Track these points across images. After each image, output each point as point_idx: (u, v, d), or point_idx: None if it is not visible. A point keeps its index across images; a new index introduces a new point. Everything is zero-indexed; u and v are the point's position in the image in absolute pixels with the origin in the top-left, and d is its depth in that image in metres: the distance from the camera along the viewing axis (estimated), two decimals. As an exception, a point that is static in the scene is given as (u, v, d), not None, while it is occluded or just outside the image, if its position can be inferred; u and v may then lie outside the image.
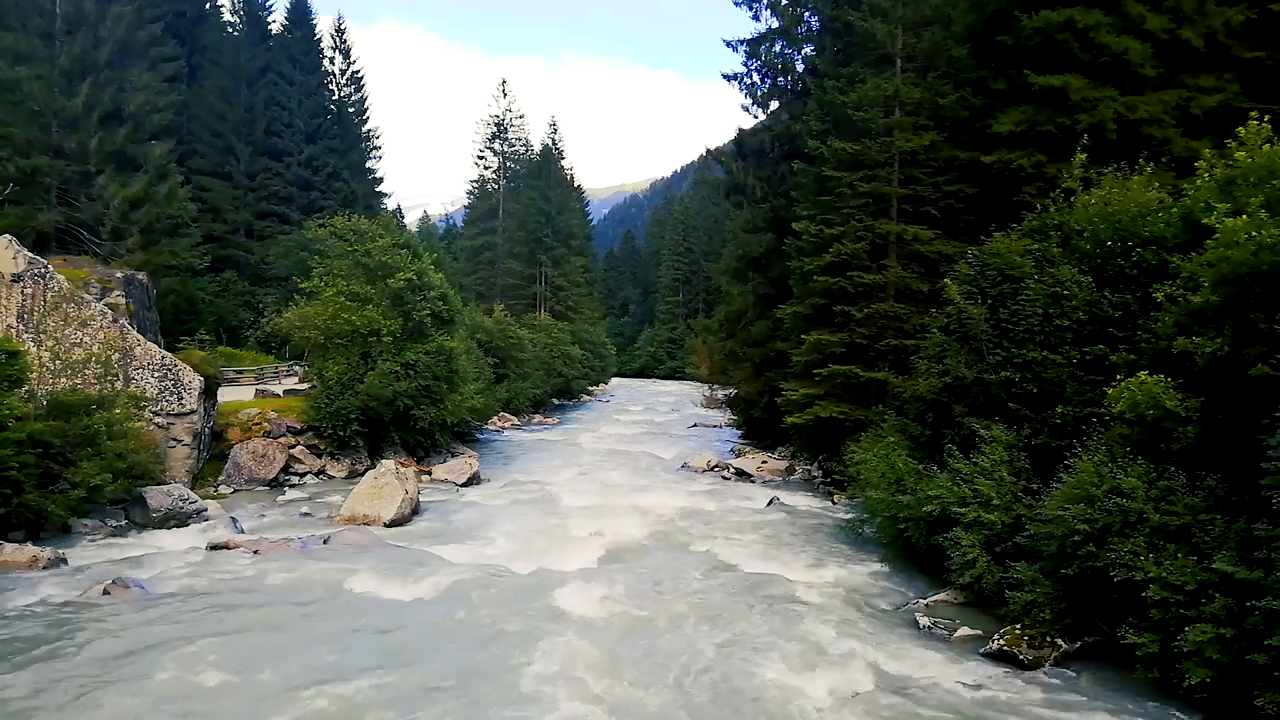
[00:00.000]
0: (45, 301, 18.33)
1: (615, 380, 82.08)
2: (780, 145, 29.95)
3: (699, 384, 55.49)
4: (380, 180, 53.22)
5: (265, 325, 35.68)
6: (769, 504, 20.61)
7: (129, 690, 8.73)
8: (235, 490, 20.60)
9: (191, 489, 18.62)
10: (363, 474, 20.40)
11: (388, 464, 19.03)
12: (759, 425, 30.88)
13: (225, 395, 23.84)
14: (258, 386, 28.81)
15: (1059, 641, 10.39)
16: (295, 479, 22.11)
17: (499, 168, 69.27)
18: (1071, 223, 13.40)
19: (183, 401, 19.66)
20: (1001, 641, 10.56)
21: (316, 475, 22.68)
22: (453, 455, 26.65)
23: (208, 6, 48.22)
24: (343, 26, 50.63)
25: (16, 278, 18.49)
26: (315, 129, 46.62)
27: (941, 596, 12.74)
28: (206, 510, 17.26)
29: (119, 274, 23.77)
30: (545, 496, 21.32)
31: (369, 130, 52.25)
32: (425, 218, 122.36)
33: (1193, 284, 10.09)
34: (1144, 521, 9.49)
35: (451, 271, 46.09)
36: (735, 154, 32.38)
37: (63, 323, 17.70)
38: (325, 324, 23.81)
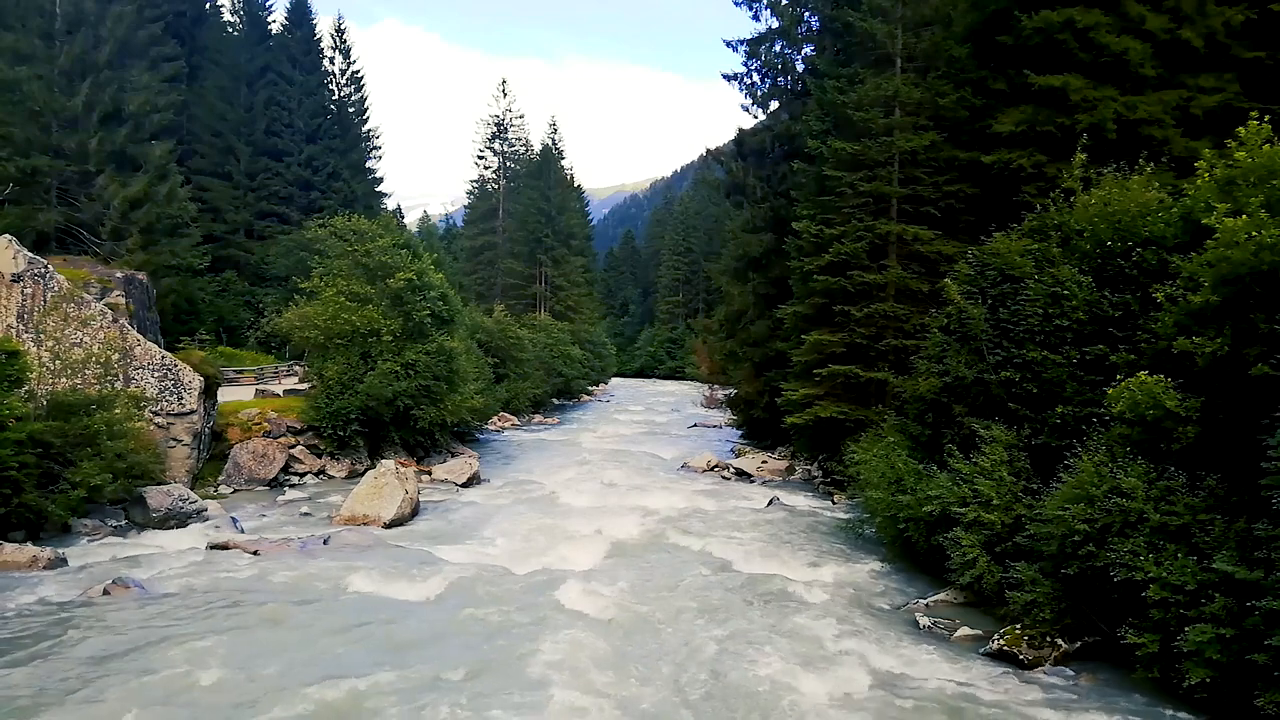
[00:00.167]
0: (45, 301, 18.33)
1: (615, 380, 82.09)
2: (780, 145, 29.96)
3: (699, 384, 55.52)
4: (380, 180, 53.26)
5: (265, 325, 35.76)
6: (769, 504, 20.61)
7: (129, 689, 8.72)
8: (235, 490, 20.61)
9: (191, 489, 18.62)
10: (363, 474, 20.39)
11: (388, 464, 19.03)
12: (759, 425, 30.88)
13: (225, 395, 23.83)
14: (258, 386, 28.80)
15: (1059, 641, 10.39)
16: (295, 479, 22.11)
17: (499, 168, 69.30)
18: (1071, 223, 13.40)
19: (183, 401, 19.66)
20: (1001, 641, 10.57)
21: (316, 475, 22.68)
22: (453, 455, 26.65)
23: (208, 6, 48.22)
24: (343, 26, 50.71)
25: (16, 278, 18.50)
26: (315, 129, 46.64)
27: (941, 596, 12.75)
28: (206, 510, 17.26)
29: (119, 274, 23.77)
30: (545, 496, 21.33)
31: (369, 130, 52.27)
32: (425, 218, 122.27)
33: (1193, 284, 10.09)
34: (1144, 521, 9.49)
35: (451, 271, 46.06)
36: (735, 154, 32.40)
37: (63, 323, 17.68)
38: (325, 324, 23.82)
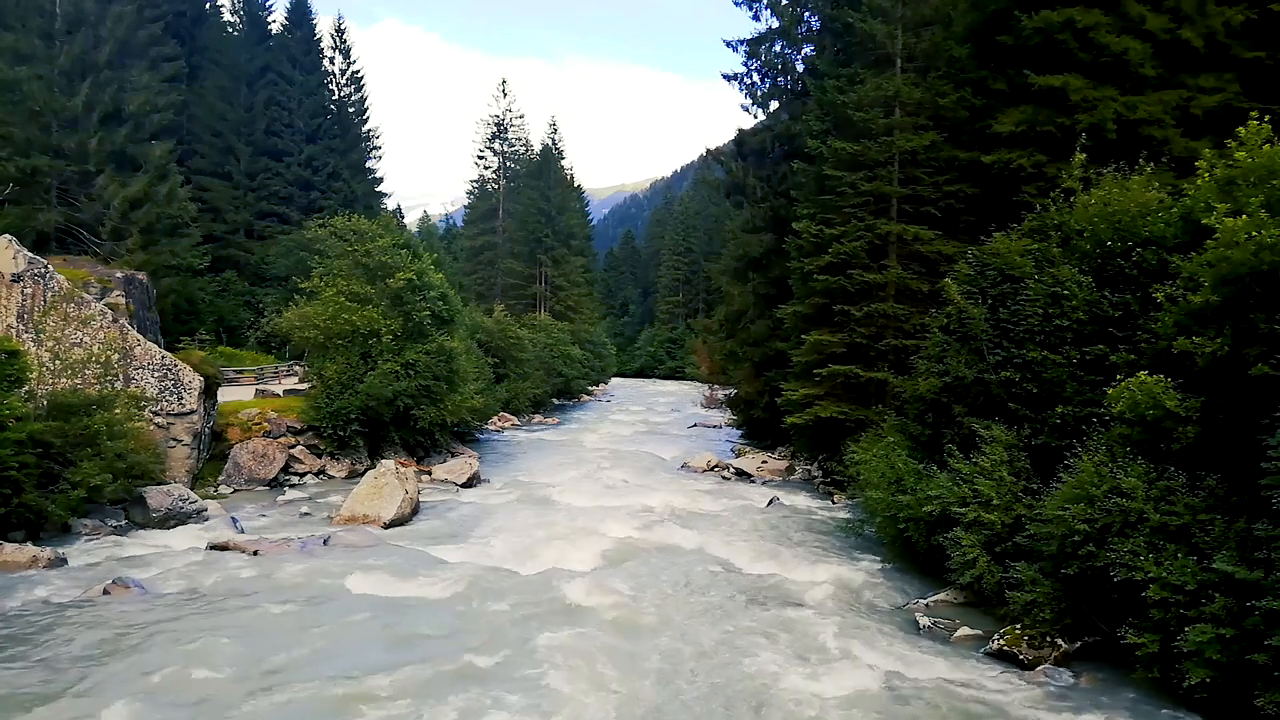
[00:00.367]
0: (45, 301, 18.33)
1: (615, 380, 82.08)
2: (780, 145, 29.95)
3: (699, 384, 55.54)
4: (380, 180, 53.26)
5: (265, 325, 35.76)
6: (769, 504, 20.61)
7: (129, 689, 8.73)
8: (235, 490, 20.60)
9: (191, 489, 18.63)
10: (363, 474, 20.40)
11: (388, 464, 19.03)
12: (759, 425, 30.89)
13: (225, 395, 23.83)
14: (258, 386, 28.80)
15: (1059, 641, 10.39)
16: (295, 479, 22.11)
17: (499, 168, 69.30)
18: (1071, 223, 13.40)
19: (183, 401, 19.66)
20: (1001, 641, 10.57)
21: (316, 475, 22.68)
22: (453, 455, 26.65)
23: (208, 6, 48.22)
24: (343, 26, 50.72)
25: (16, 278, 18.50)
26: (315, 129, 46.63)
27: (941, 596, 12.74)
28: (206, 510, 17.27)
29: (119, 274, 23.78)
30: (545, 496, 21.32)
31: (369, 130, 52.26)
32: (425, 218, 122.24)
33: (1193, 284, 10.09)
34: (1144, 521, 9.49)
35: (451, 271, 46.07)
36: (735, 154, 32.39)
37: (63, 323, 17.69)
38: (325, 324, 23.82)
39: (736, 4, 29.69)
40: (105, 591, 11.85)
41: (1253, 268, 9.14)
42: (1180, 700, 8.91)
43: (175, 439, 19.50)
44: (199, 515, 16.94)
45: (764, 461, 26.97)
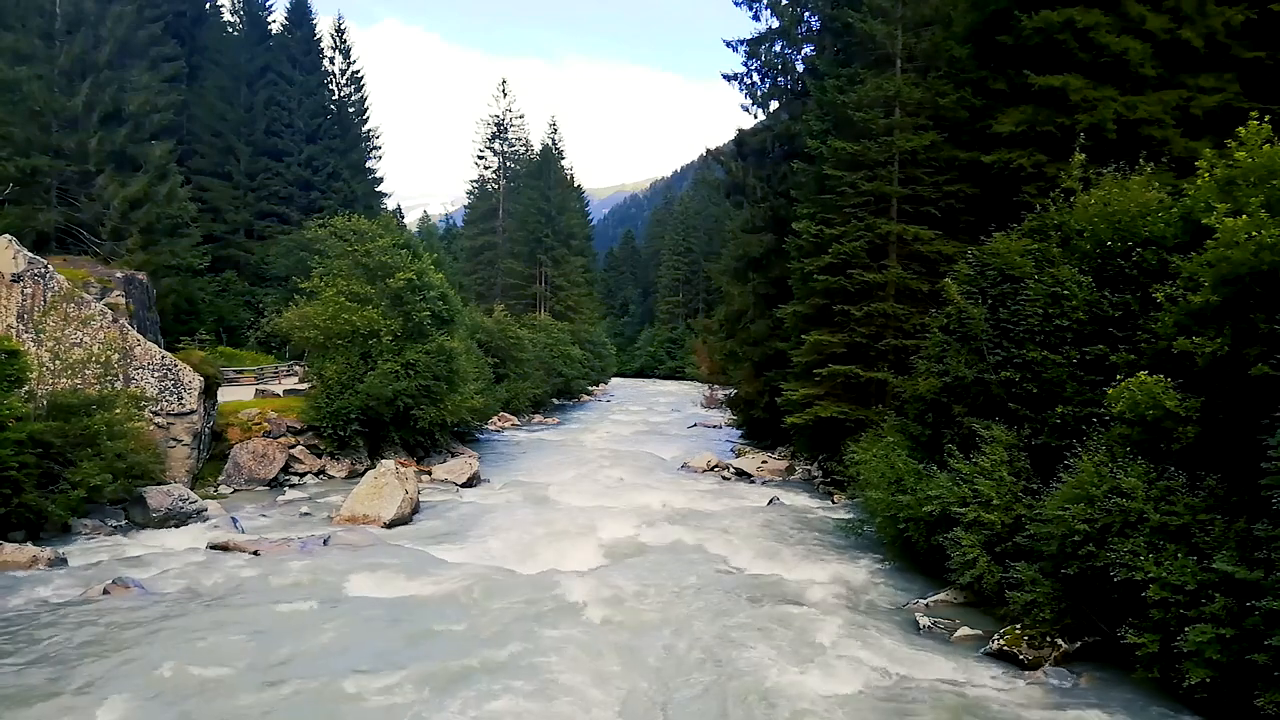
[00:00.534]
0: (45, 301, 18.33)
1: (615, 380, 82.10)
2: (780, 145, 29.95)
3: (699, 384, 55.54)
4: (380, 180, 53.27)
5: (265, 325, 35.76)
6: (769, 504, 20.62)
7: (129, 688, 8.72)
8: (235, 490, 20.60)
9: (191, 489, 18.63)
10: (363, 474, 20.40)
11: (388, 464, 19.04)
12: (759, 425, 30.88)
13: (225, 395, 23.83)
14: (258, 386, 28.80)
15: (1059, 641, 10.39)
16: (295, 479, 22.11)
17: (499, 168, 69.30)
18: (1071, 223, 13.40)
19: (183, 401, 19.66)
20: (1001, 641, 10.57)
21: (316, 475, 22.68)
22: (453, 455, 26.65)
23: (208, 6, 48.23)
24: (343, 26, 50.72)
25: (16, 278, 18.50)
26: (315, 129, 46.63)
27: (941, 596, 12.74)
28: (206, 510, 17.27)
29: (119, 274, 23.78)
30: (545, 496, 21.33)
31: (369, 130, 52.27)
32: (425, 218, 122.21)
33: (1193, 284, 10.09)
34: (1144, 521, 9.48)
35: (451, 271, 46.06)
36: (735, 154, 32.39)
37: (63, 323, 17.69)
38: (325, 324, 23.82)
39: (736, 4, 29.71)
40: (105, 591, 11.85)
41: (1253, 268, 9.14)
42: (1180, 700, 8.90)
43: (175, 439, 19.50)
44: (199, 515, 16.94)
45: (764, 461, 26.97)
